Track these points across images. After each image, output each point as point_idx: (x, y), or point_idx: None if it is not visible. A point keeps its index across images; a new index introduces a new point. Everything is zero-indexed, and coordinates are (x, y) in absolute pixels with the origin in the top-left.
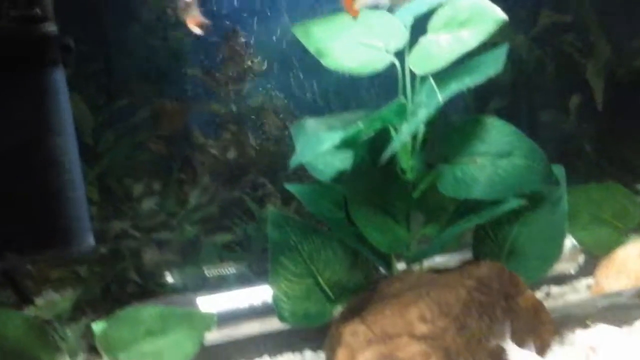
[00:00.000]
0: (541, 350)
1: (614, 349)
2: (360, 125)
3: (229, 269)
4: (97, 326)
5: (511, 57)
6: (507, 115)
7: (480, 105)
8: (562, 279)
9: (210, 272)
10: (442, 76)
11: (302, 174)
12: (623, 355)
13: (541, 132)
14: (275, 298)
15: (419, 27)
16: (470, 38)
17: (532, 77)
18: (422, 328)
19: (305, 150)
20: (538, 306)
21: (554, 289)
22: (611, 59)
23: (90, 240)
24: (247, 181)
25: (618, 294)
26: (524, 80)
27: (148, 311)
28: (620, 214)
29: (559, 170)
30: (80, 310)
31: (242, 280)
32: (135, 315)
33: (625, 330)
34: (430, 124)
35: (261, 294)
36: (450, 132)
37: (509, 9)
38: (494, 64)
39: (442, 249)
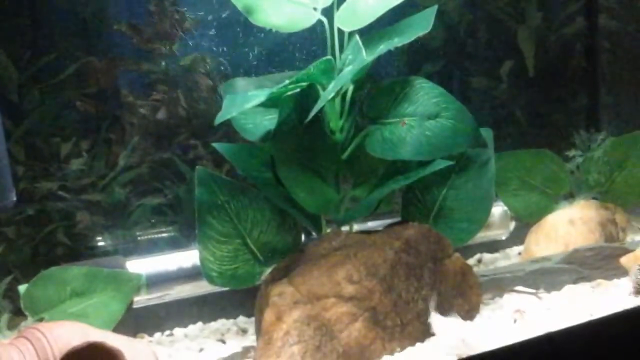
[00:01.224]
0: (469, 313)
1: (540, 312)
2: (287, 82)
3: (160, 232)
4: (24, 287)
5: (443, 22)
6: (439, 80)
7: (412, 71)
8: (493, 246)
9: (140, 235)
10: (372, 37)
11: (234, 136)
12: (549, 319)
13: (473, 98)
14: (202, 259)
15: None
16: None
17: (464, 43)
18: (349, 289)
19: (232, 107)
20: (466, 269)
21: (486, 256)
22: (542, 25)
23: (13, 196)
24: (178, 142)
25: (547, 258)
26: (455, 46)
27: (74, 271)
28: (550, 180)
29: (487, 133)
30: (7, 272)
31: (173, 244)
32: (61, 275)
33: (552, 294)
34: (360, 84)
35: (192, 257)
36: (379, 93)
37: None
38: (423, 25)
39: (371, 211)
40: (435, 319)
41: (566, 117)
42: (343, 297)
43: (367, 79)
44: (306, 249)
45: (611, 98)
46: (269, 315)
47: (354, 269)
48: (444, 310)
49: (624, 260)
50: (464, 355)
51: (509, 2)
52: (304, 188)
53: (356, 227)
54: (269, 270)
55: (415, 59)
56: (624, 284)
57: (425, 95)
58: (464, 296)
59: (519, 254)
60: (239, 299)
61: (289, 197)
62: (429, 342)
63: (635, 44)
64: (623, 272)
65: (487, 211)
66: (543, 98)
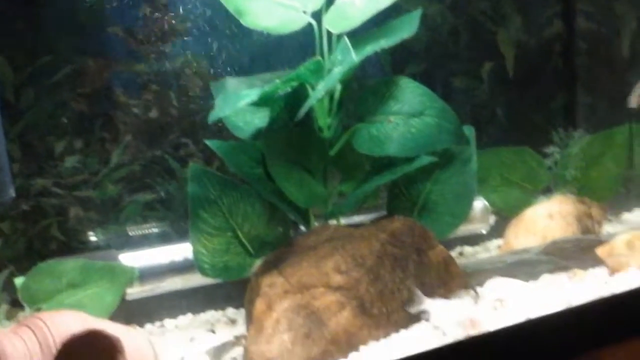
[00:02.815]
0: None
1: (520, 300)
2: (278, 82)
3: (152, 228)
4: (20, 279)
5: (427, 25)
6: (422, 80)
7: (397, 71)
8: (474, 239)
9: (132, 230)
10: (360, 39)
11: (225, 135)
12: (528, 306)
13: (455, 97)
14: (195, 251)
15: None
16: None
17: (447, 45)
18: (337, 279)
19: (224, 106)
20: (448, 260)
21: (467, 249)
22: (522, 28)
23: (12, 192)
24: (170, 141)
25: (525, 250)
26: (438, 48)
27: (70, 264)
28: (529, 177)
29: (469, 131)
30: (2, 265)
31: (165, 239)
32: (57, 267)
33: (531, 283)
34: (347, 84)
35: (183, 251)
36: (365, 92)
37: None
38: (408, 27)
39: (358, 205)
40: (420, 297)
41: (545, 116)
42: (331, 286)
43: (354, 79)
44: (295, 242)
45: (588, 97)
46: (260, 305)
47: (342, 260)
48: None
49: (600, 251)
50: (474, 333)
51: (490, 5)
52: (294, 183)
53: (343, 221)
54: (259, 262)
55: (400, 61)
56: (600, 273)
57: (410, 94)
58: (446, 286)
59: (499, 247)
60: (227, 291)
61: (279, 192)
62: (419, 326)
63: (610, 45)
64: (599, 262)
65: (469, 205)
66: (522, 98)
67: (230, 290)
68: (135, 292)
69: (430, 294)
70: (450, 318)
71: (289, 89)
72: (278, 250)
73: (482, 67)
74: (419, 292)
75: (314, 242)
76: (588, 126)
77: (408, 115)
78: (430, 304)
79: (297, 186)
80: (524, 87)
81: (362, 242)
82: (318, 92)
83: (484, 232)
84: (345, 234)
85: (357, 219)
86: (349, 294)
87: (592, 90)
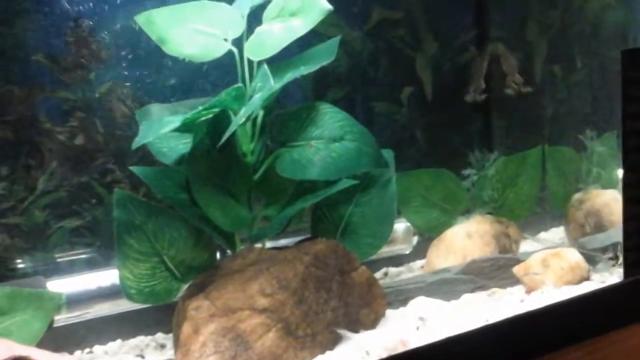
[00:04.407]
0: (374, 321)
1: (441, 319)
2: (200, 108)
3: (79, 254)
4: None
5: (347, 51)
6: (343, 105)
7: (318, 97)
8: (398, 260)
9: (60, 256)
10: (280, 66)
11: (150, 160)
12: (449, 324)
13: (376, 122)
14: (121, 277)
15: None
16: (300, 26)
17: (367, 70)
18: (262, 301)
19: (147, 132)
20: (371, 281)
21: (392, 269)
22: (438, 54)
23: None
24: (96, 167)
25: (446, 270)
26: (359, 73)
27: None
28: (449, 198)
29: (388, 154)
30: None
31: (92, 265)
32: None
33: (452, 302)
34: (269, 110)
35: (111, 277)
36: (287, 117)
37: (343, 5)
38: (327, 54)
39: (282, 228)
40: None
41: (462, 139)
42: (257, 309)
43: (276, 104)
44: (221, 265)
45: (502, 121)
46: (186, 328)
47: (267, 282)
48: (351, 320)
49: (516, 269)
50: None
51: (408, 32)
52: (218, 208)
53: (268, 244)
54: (186, 286)
55: (321, 87)
56: (517, 292)
57: (330, 119)
58: (370, 306)
59: (422, 267)
60: (156, 316)
61: (204, 217)
62: (344, 346)
63: (523, 70)
64: (515, 280)
65: (390, 227)
66: (441, 121)
67: (159, 315)
68: (63, 318)
69: (354, 314)
70: (377, 339)
71: (211, 115)
72: (204, 273)
73: (401, 92)
74: (347, 333)
75: (239, 265)
76: (503, 148)
77: (328, 140)
78: (360, 338)
79: (222, 210)
80: (442, 111)
81: (286, 264)
82: (239, 117)
83: (407, 252)
84: (270, 257)
85: (282, 241)
86: (274, 316)
87: (506, 114)
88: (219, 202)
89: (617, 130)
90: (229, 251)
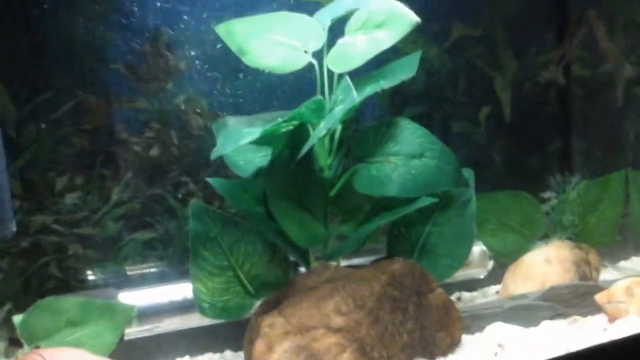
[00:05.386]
0: (451, 346)
1: (520, 346)
2: (280, 121)
3: (151, 267)
4: (18, 317)
5: (425, 68)
6: (421, 123)
7: (395, 113)
8: (472, 284)
9: (131, 269)
10: (360, 80)
11: (224, 173)
12: (528, 352)
13: (453, 141)
14: (195, 290)
15: (338, 29)
16: (386, 38)
17: (444, 88)
18: (337, 320)
19: (226, 144)
20: (448, 303)
21: (465, 294)
22: (518, 73)
23: (13, 227)
24: (170, 179)
25: (524, 296)
26: (436, 91)
27: (69, 301)
28: (527, 221)
29: (468, 173)
30: (1, 302)
31: (163, 279)
32: (57, 305)
33: (531, 329)
34: (348, 125)
35: (182, 291)
36: (365, 133)
37: (422, 21)
38: (408, 69)
39: (358, 246)
40: None
41: (541, 161)
42: (332, 328)
43: (354, 119)
44: (295, 282)
45: (584, 143)
46: (259, 345)
47: (342, 301)
48: (427, 344)
49: (599, 297)
50: None
51: (487, 50)
52: (294, 223)
53: (343, 263)
54: (259, 302)
55: (398, 104)
56: (599, 320)
57: (410, 135)
58: (446, 330)
59: (497, 292)
60: (225, 333)
61: (280, 232)
62: None
63: (605, 91)
64: (597, 309)
65: (469, 248)
66: (519, 142)
67: (229, 332)
68: (133, 332)
69: (429, 338)
70: None
71: (290, 128)
72: (278, 290)
73: (479, 111)
74: None
75: (314, 282)
76: (584, 171)
77: (408, 157)
78: None
79: (298, 226)
80: (521, 132)
81: (362, 283)
82: (319, 131)
83: (481, 277)
84: (346, 275)
85: (356, 260)
86: (349, 336)
87: (587, 136)
88: (295, 217)
89: None
90: (302, 268)
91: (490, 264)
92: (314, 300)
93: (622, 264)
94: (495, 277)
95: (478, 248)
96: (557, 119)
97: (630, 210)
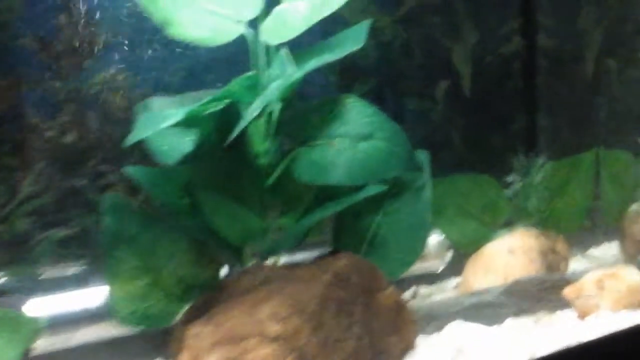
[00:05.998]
0: (404, 351)
1: (482, 348)
2: (207, 100)
3: (66, 269)
4: None
5: (376, 40)
6: (371, 101)
7: (343, 91)
8: (429, 278)
9: (44, 272)
10: (301, 53)
11: (153, 162)
12: (491, 355)
13: (407, 121)
14: (111, 297)
15: None
16: (329, 3)
17: (398, 62)
18: (274, 327)
19: (145, 127)
20: (400, 304)
21: (421, 289)
22: (479, 44)
23: None
24: (88, 169)
25: (485, 291)
26: (388, 65)
27: None
28: (488, 208)
29: (423, 156)
30: None
31: (81, 282)
32: None
33: (493, 328)
34: (287, 104)
35: (101, 295)
36: (307, 113)
37: None
38: (355, 40)
39: (299, 240)
40: None
41: (504, 141)
42: (267, 336)
43: (296, 98)
44: (227, 285)
45: (551, 120)
46: (184, 358)
47: (280, 305)
48: (377, 350)
49: (567, 291)
50: None
51: (445, 20)
52: (225, 216)
53: (283, 259)
54: (185, 308)
55: (347, 80)
56: (568, 317)
57: (357, 114)
58: (399, 333)
59: (456, 286)
60: (153, 341)
61: (208, 227)
62: None
63: (574, 63)
64: (565, 304)
65: (424, 240)
66: (480, 120)
67: (157, 340)
68: (45, 344)
69: (380, 342)
70: None
71: (219, 108)
72: (206, 294)
73: (436, 86)
74: None
75: (248, 284)
76: (551, 152)
77: (355, 139)
78: None
79: (230, 220)
80: (482, 109)
81: (303, 284)
82: (252, 110)
83: (439, 270)
84: (284, 275)
85: (299, 257)
86: (288, 345)
87: (554, 113)
88: (226, 209)
89: None
90: (235, 267)
91: (449, 255)
92: (247, 304)
93: (593, 251)
94: (454, 269)
95: (435, 238)
96: (522, 94)
97: (601, 193)
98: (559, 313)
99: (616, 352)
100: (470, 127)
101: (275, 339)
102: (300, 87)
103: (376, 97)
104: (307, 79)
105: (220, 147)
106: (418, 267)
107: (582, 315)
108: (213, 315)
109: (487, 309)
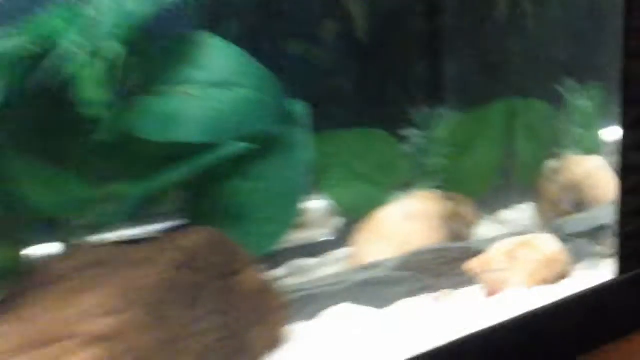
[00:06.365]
0: (273, 344)
1: (370, 336)
2: (11, 37)
3: None
4: None
5: None
6: (244, 44)
7: (207, 30)
8: (311, 250)
9: None
10: None
11: None
12: (382, 345)
13: (286, 67)
14: None
15: None
16: None
17: None
18: (99, 324)
19: None
20: (266, 286)
21: (302, 263)
22: None
23: None
24: None
25: (378, 265)
26: (264, 1)
27: None
28: (382, 167)
29: (300, 108)
30: None
31: None
32: None
33: (382, 311)
34: (130, 44)
35: None
36: (154, 53)
37: None
38: None
39: (138, 211)
40: None
41: (402, 90)
42: (90, 335)
43: (143, 37)
44: (38, 270)
45: (456, 66)
46: None
47: (109, 295)
48: (237, 346)
49: (473, 264)
50: None
51: None
52: (38, 182)
53: (118, 235)
54: None
55: (213, 15)
56: (474, 294)
57: (218, 58)
58: (265, 323)
59: (344, 259)
60: None
61: (14, 195)
62: None
63: (485, 1)
64: (471, 279)
65: (295, 207)
66: (373, 66)
67: None
68: None
69: (244, 335)
70: None
71: (31, 47)
72: (9, 282)
73: (322, 26)
74: None
75: (66, 269)
76: (456, 102)
77: (213, 86)
78: None
79: (45, 186)
80: (376, 53)
81: (140, 266)
82: (75, 51)
83: (323, 239)
84: (117, 256)
85: (139, 230)
86: (117, 346)
87: (461, 57)
88: (41, 174)
89: (604, 81)
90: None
91: (335, 223)
92: (64, 296)
93: (505, 214)
94: (343, 238)
95: (318, 203)
96: (423, 35)
97: (514, 148)
98: (463, 290)
99: (530, 336)
100: (363, 74)
101: (100, 338)
102: (148, 24)
103: (249, 39)
104: (159, 14)
105: (34, 96)
106: (299, 237)
107: (491, 293)
108: (18, 310)
109: (378, 287)
